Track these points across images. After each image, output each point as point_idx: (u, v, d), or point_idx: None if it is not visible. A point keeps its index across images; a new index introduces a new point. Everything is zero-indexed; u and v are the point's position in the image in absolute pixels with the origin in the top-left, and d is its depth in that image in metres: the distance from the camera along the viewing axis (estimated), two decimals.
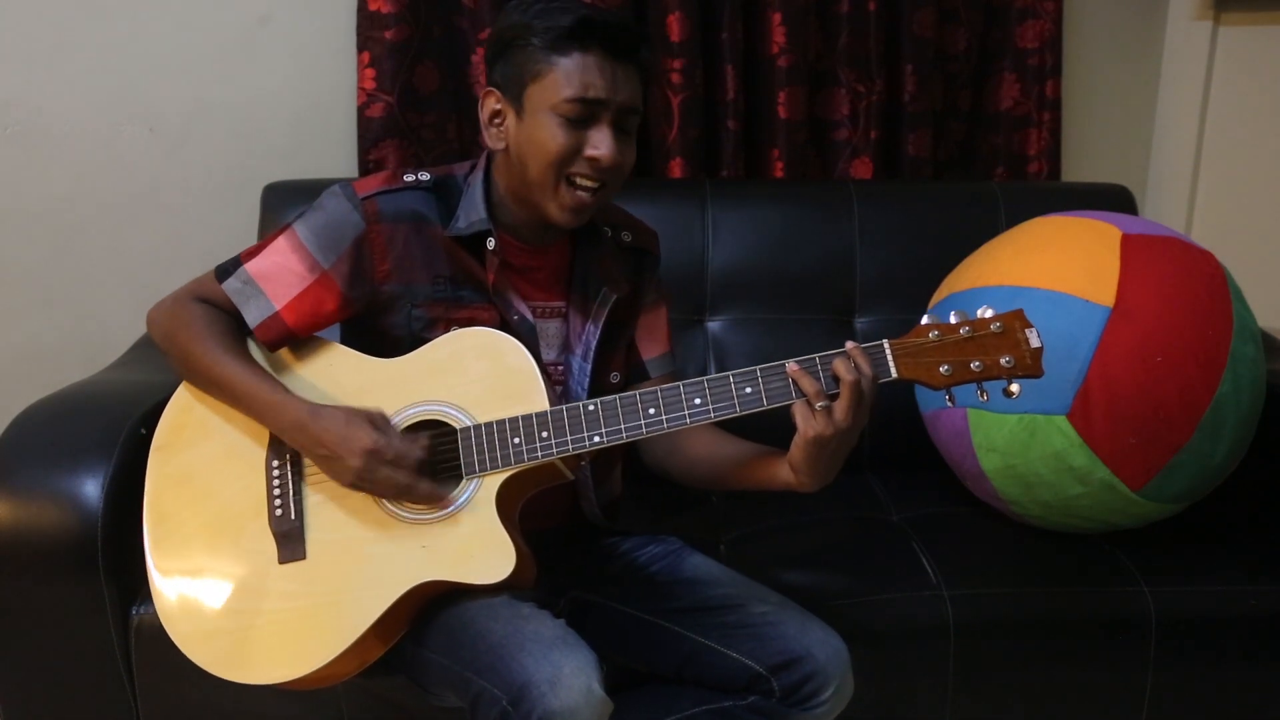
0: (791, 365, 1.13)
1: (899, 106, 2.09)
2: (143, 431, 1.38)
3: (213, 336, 1.23)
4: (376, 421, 1.17)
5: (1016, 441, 1.49)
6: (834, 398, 1.11)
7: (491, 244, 1.25)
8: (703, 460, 1.33)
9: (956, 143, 2.17)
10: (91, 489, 1.33)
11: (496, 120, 1.24)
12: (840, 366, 1.11)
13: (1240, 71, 2.20)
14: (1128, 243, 1.51)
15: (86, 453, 1.35)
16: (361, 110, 1.96)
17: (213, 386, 1.24)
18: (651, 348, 1.42)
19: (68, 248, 2.05)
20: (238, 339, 1.25)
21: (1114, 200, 1.98)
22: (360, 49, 1.94)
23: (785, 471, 1.19)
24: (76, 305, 2.08)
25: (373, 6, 1.91)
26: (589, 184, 1.20)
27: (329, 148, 2.04)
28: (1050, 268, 1.51)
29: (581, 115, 1.18)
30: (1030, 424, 1.47)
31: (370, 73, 1.94)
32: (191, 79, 2.00)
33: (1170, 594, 1.48)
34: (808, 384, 1.12)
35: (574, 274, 1.34)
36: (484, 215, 1.25)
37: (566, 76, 1.17)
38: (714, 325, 1.90)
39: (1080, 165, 2.25)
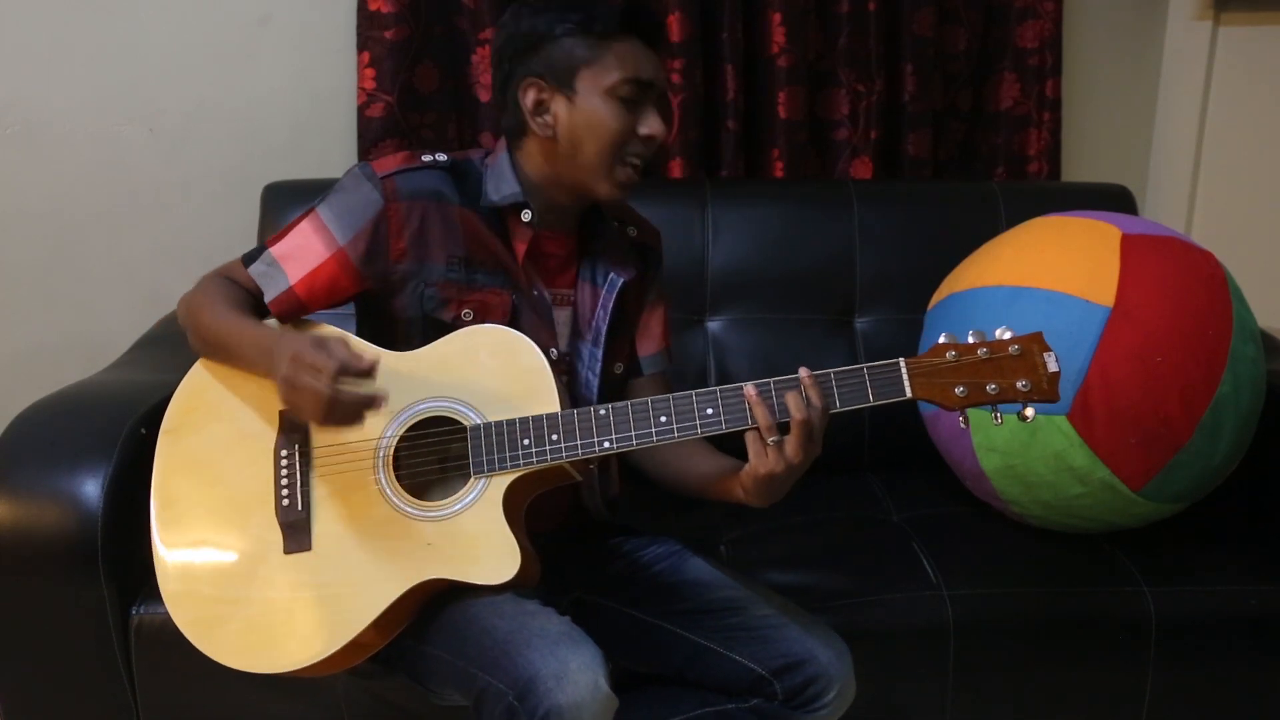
0: (750, 391, 1.14)
1: (899, 106, 2.09)
2: (143, 431, 1.38)
3: (223, 300, 1.26)
4: (320, 339, 1.14)
5: (1016, 441, 1.49)
6: (785, 429, 1.13)
7: (528, 216, 1.28)
8: (677, 470, 1.37)
9: (956, 143, 2.17)
10: (91, 489, 1.33)
11: (541, 109, 1.25)
12: (792, 402, 1.12)
13: (1240, 71, 2.20)
14: (1128, 243, 1.51)
15: (86, 453, 1.35)
16: (361, 110, 1.96)
17: (216, 342, 1.25)
18: (647, 345, 1.44)
19: (68, 248, 2.05)
20: (246, 303, 1.28)
21: (1114, 200, 1.97)
22: (360, 49, 1.94)
23: (738, 491, 1.22)
24: (76, 305, 2.08)
25: (373, 6, 1.91)
26: (639, 161, 1.26)
27: (329, 148, 2.04)
28: (1050, 268, 1.51)
29: (635, 96, 1.24)
30: (1030, 424, 1.47)
31: (370, 73, 1.94)
32: (191, 79, 2.00)
33: (1170, 594, 1.48)
34: (761, 415, 1.13)
35: (581, 263, 1.36)
36: (518, 189, 1.28)
37: (620, 60, 1.23)
38: (714, 325, 1.90)
39: (1080, 165, 2.25)
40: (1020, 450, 1.49)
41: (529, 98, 1.25)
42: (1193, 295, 1.47)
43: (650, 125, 1.25)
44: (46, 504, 1.32)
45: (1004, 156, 2.16)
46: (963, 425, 1.15)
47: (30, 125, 1.99)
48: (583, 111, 1.23)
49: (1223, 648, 1.48)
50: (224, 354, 1.26)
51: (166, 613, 1.35)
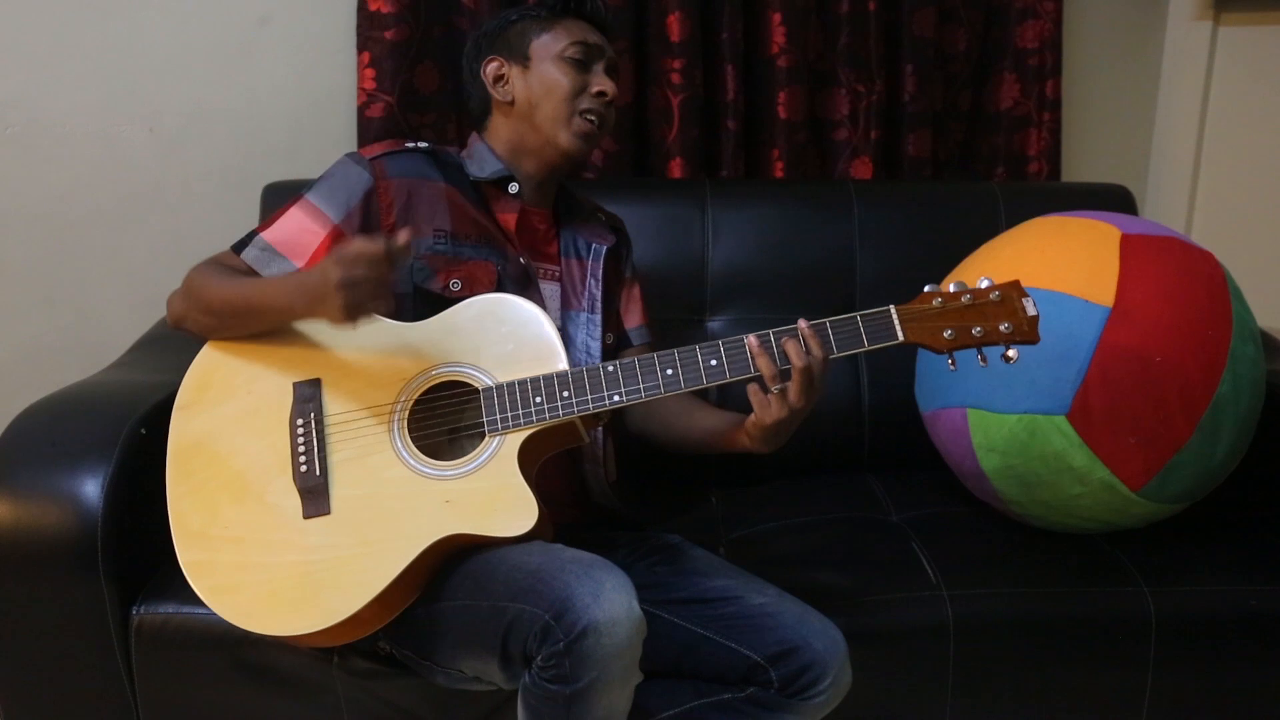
0: (752, 341, 1.20)
1: (899, 106, 2.09)
2: (142, 431, 1.39)
3: (224, 273, 1.30)
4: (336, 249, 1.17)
5: (1016, 441, 1.49)
6: (788, 375, 1.19)
7: (514, 188, 1.40)
8: (679, 427, 1.43)
9: (956, 143, 2.17)
10: (91, 489, 1.33)
11: (501, 81, 1.41)
12: (792, 350, 1.18)
13: (1240, 71, 2.20)
14: (1127, 243, 1.51)
15: (86, 453, 1.35)
16: (361, 110, 1.96)
17: (229, 311, 1.27)
18: (632, 318, 1.53)
19: (68, 248, 2.05)
20: (247, 274, 1.31)
21: (1114, 200, 1.97)
22: (360, 49, 1.94)
23: (744, 440, 1.28)
24: (76, 305, 2.08)
25: (373, 6, 1.91)
26: (595, 115, 1.39)
27: (329, 148, 2.04)
28: (1050, 268, 1.51)
29: (583, 58, 1.38)
30: (1030, 424, 1.47)
31: (370, 73, 1.94)
32: (191, 79, 2.01)
33: (1170, 594, 1.48)
34: (764, 364, 1.19)
35: (561, 240, 1.46)
36: (500, 165, 1.40)
37: (568, 30, 1.40)
38: (714, 325, 1.90)
39: (1080, 165, 2.25)
40: (1020, 450, 1.49)
41: (489, 72, 1.41)
42: (1193, 295, 1.47)
43: (600, 83, 1.39)
44: (46, 504, 1.32)
45: (1004, 156, 2.16)
46: (951, 368, 1.20)
47: (30, 125, 1.99)
48: (537, 75, 1.38)
49: (1223, 648, 1.48)
50: (244, 317, 1.27)
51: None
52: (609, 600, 1.09)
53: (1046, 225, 1.63)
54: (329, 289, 1.13)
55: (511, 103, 1.39)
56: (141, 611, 1.37)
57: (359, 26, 1.94)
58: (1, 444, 1.37)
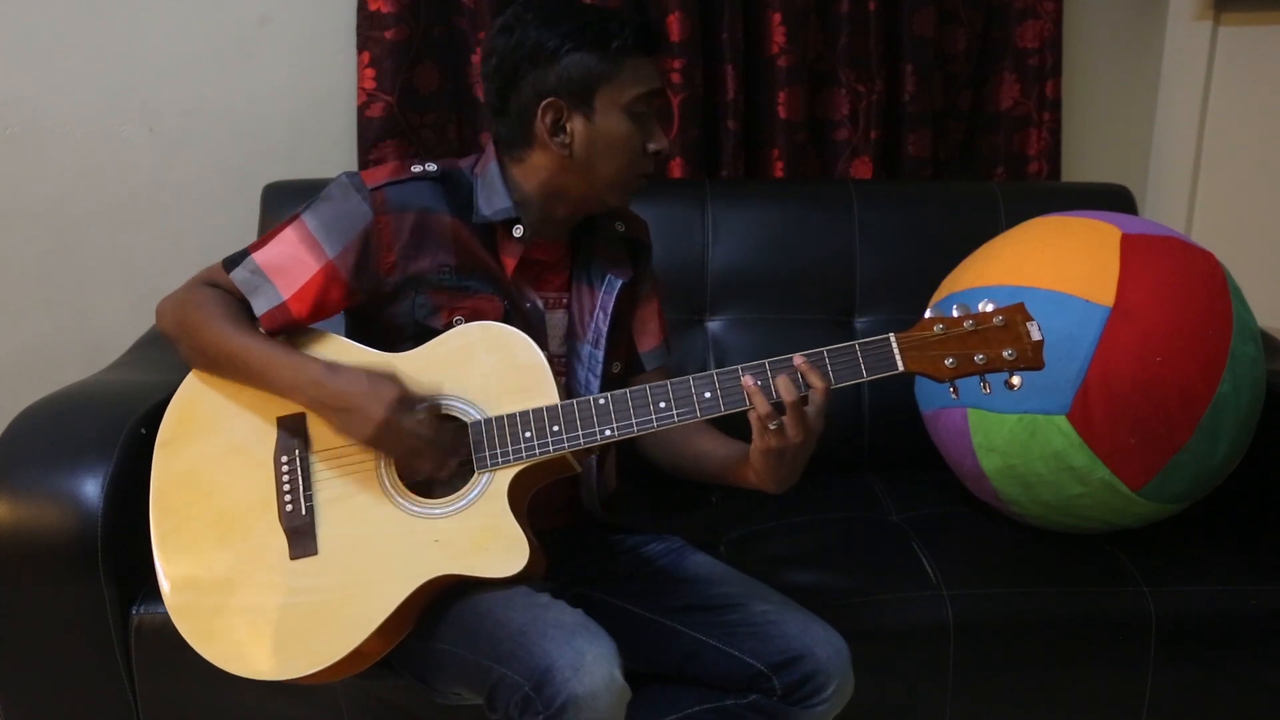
0: (747, 382, 1.16)
1: (899, 106, 2.09)
2: (143, 431, 1.38)
3: (224, 315, 1.24)
4: (396, 377, 1.18)
5: (1016, 441, 1.49)
6: (784, 411, 1.14)
7: (519, 231, 1.28)
8: (689, 457, 1.37)
9: (956, 143, 2.17)
10: (91, 489, 1.33)
11: (559, 127, 1.25)
12: (782, 387, 1.14)
13: (1240, 71, 2.20)
14: (1128, 242, 1.51)
15: (86, 453, 1.35)
16: (361, 110, 1.96)
17: (224, 360, 1.24)
18: (646, 340, 1.46)
19: (68, 248, 2.05)
20: (249, 316, 1.26)
21: (1114, 200, 1.97)
22: (360, 49, 1.94)
23: (751, 475, 1.23)
24: (76, 305, 2.08)
25: (373, 6, 1.91)
26: (649, 174, 1.30)
27: (329, 148, 2.04)
28: (1050, 268, 1.51)
29: (647, 109, 1.27)
30: (1030, 424, 1.47)
31: (370, 73, 1.94)
32: (191, 79, 2.01)
33: (1170, 594, 1.48)
34: (760, 403, 1.15)
35: (575, 265, 1.37)
36: (509, 204, 1.28)
37: (635, 76, 1.25)
38: (714, 325, 1.90)
39: (1080, 165, 2.25)
40: (1020, 450, 1.49)
41: (548, 119, 1.24)
42: (1193, 295, 1.47)
43: (658, 141, 1.28)
44: (46, 504, 1.32)
45: (1004, 156, 2.16)
46: (954, 397, 1.17)
47: (30, 125, 1.99)
48: (600, 129, 1.24)
49: (1223, 648, 1.48)
50: (240, 372, 1.24)
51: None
52: (589, 673, 1.07)
53: (1046, 225, 1.63)
54: (366, 418, 1.16)
55: (569, 155, 1.25)
56: (141, 611, 1.38)
57: (359, 26, 1.94)
58: (1, 444, 1.37)
